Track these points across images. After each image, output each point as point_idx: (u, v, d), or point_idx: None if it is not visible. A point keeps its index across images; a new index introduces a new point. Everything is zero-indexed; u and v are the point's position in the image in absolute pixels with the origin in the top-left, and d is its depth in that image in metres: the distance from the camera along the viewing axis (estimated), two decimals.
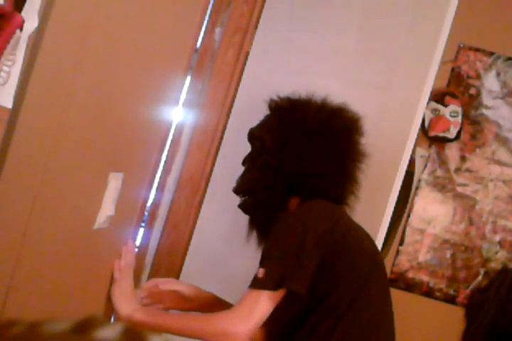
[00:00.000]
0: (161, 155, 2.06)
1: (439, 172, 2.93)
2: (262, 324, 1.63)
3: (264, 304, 1.57)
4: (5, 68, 0.92)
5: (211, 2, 2.10)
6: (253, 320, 1.57)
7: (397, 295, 2.94)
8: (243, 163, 1.86)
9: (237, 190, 1.85)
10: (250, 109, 1.98)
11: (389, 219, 2.11)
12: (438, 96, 2.87)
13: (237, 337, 1.57)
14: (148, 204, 2.12)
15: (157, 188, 2.22)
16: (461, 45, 2.91)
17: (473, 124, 2.93)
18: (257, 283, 1.59)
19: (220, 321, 1.61)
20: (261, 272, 1.59)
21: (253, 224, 1.85)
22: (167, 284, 1.89)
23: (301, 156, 1.75)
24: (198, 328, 1.65)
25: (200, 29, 1.98)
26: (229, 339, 1.58)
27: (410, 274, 2.93)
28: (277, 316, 1.64)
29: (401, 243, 2.93)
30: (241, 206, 1.85)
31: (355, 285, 1.68)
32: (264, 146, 1.80)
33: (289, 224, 1.68)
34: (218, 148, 2.29)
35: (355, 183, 1.80)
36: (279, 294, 1.59)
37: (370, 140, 1.83)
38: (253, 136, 1.86)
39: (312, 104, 1.81)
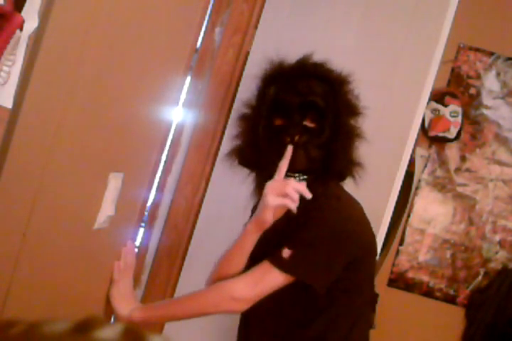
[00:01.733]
0: (161, 155, 2.06)
1: (439, 172, 2.93)
2: (264, 309, 1.61)
3: (272, 280, 1.56)
4: (5, 68, 0.92)
5: (211, 2, 2.10)
6: (257, 289, 1.56)
7: (397, 295, 2.96)
8: (293, 138, 1.58)
9: (299, 169, 1.59)
10: None
11: (389, 219, 2.11)
12: (438, 96, 2.87)
13: (241, 301, 1.56)
14: (148, 204, 2.12)
15: (157, 188, 2.22)
16: (461, 45, 2.91)
17: (473, 124, 2.93)
18: (275, 260, 1.56)
19: (226, 287, 1.59)
20: (287, 252, 1.55)
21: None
22: None
23: (351, 137, 1.64)
24: (200, 302, 1.62)
25: (200, 29, 1.98)
26: (234, 302, 1.57)
27: (410, 274, 2.93)
28: (283, 301, 1.62)
29: (401, 243, 2.93)
30: None
31: (369, 286, 1.70)
32: (325, 121, 1.58)
33: (335, 222, 1.58)
34: (218, 148, 2.29)
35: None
36: (289, 279, 1.57)
37: (370, 140, 1.83)
38: (314, 105, 1.58)
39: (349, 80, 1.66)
